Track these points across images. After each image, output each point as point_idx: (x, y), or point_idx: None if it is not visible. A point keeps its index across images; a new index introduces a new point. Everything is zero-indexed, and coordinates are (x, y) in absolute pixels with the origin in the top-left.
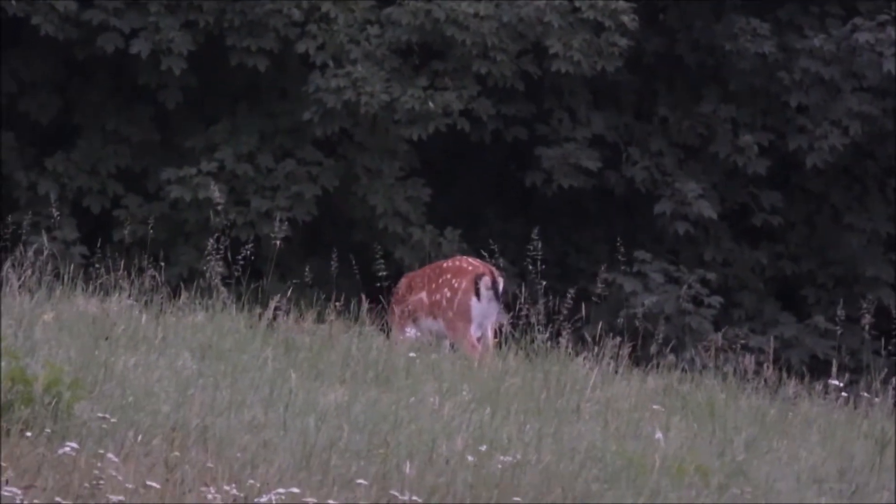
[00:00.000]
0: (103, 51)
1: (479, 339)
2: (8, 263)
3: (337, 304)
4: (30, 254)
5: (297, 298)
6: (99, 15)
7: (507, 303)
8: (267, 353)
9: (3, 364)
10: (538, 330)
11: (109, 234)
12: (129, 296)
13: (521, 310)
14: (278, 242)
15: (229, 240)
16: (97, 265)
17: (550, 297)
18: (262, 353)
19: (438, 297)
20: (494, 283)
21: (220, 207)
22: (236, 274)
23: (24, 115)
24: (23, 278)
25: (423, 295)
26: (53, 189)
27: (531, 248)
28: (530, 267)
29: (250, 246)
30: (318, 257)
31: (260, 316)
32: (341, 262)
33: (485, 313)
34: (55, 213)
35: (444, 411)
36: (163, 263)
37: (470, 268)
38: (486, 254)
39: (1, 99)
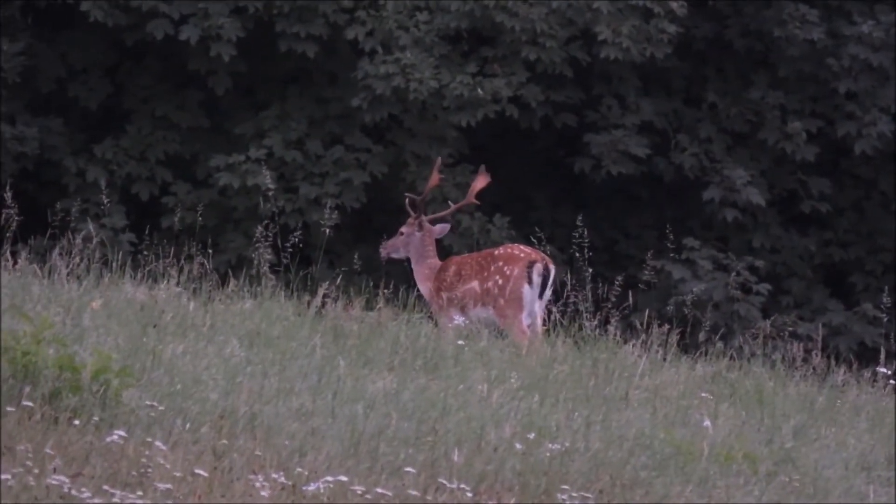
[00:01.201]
0: (153, 37)
1: (528, 326)
2: (56, 250)
3: (385, 291)
4: (78, 241)
5: (346, 285)
6: (148, 1)
7: (556, 290)
8: (315, 340)
9: (51, 351)
10: (586, 317)
11: (158, 221)
12: (178, 283)
13: (568, 297)
14: (327, 229)
15: (278, 227)
16: (146, 252)
17: (599, 284)
18: (310, 341)
19: (490, 284)
20: (546, 270)
21: (269, 194)
22: (285, 261)
23: (73, 100)
24: (71, 265)
25: (475, 284)
26: (102, 176)
27: (578, 234)
28: (577, 254)
29: (299, 233)
30: (367, 244)
31: (308, 303)
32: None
33: (536, 300)
34: (104, 199)
35: (493, 399)
36: (211, 251)
37: (522, 255)
38: (534, 240)
39: (50, 84)
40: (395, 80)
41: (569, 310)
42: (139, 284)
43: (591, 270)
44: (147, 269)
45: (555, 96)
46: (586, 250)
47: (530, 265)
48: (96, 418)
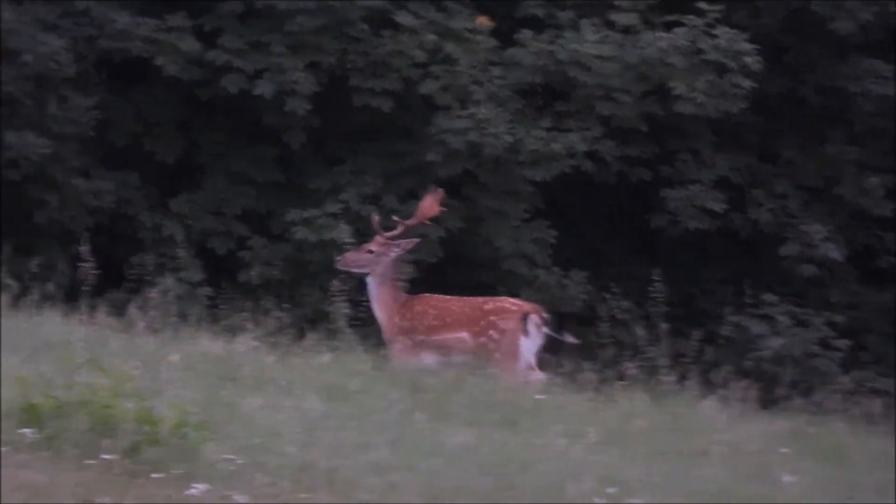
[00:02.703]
0: (227, 91)
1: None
2: (133, 304)
3: None
4: (155, 294)
5: None
6: (222, 56)
7: (557, 331)
8: (393, 394)
9: (130, 405)
10: (664, 372)
11: (235, 276)
12: (255, 337)
13: (645, 352)
14: (403, 284)
15: (355, 281)
16: (222, 306)
17: (675, 339)
18: (388, 395)
19: (485, 339)
20: (543, 319)
21: (345, 248)
22: (362, 315)
23: (148, 154)
24: (148, 319)
25: (465, 335)
26: (178, 230)
27: (654, 289)
28: (653, 309)
29: None
30: None
31: (387, 357)
32: None
33: (532, 349)
34: (180, 254)
35: (571, 453)
36: (288, 305)
37: (514, 307)
38: (608, 296)
39: (125, 138)
40: (469, 134)
41: (646, 364)
42: (216, 338)
43: (667, 325)
44: (224, 322)
45: (629, 151)
46: (663, 305)
47: (524, 317)
48: (176, 472)
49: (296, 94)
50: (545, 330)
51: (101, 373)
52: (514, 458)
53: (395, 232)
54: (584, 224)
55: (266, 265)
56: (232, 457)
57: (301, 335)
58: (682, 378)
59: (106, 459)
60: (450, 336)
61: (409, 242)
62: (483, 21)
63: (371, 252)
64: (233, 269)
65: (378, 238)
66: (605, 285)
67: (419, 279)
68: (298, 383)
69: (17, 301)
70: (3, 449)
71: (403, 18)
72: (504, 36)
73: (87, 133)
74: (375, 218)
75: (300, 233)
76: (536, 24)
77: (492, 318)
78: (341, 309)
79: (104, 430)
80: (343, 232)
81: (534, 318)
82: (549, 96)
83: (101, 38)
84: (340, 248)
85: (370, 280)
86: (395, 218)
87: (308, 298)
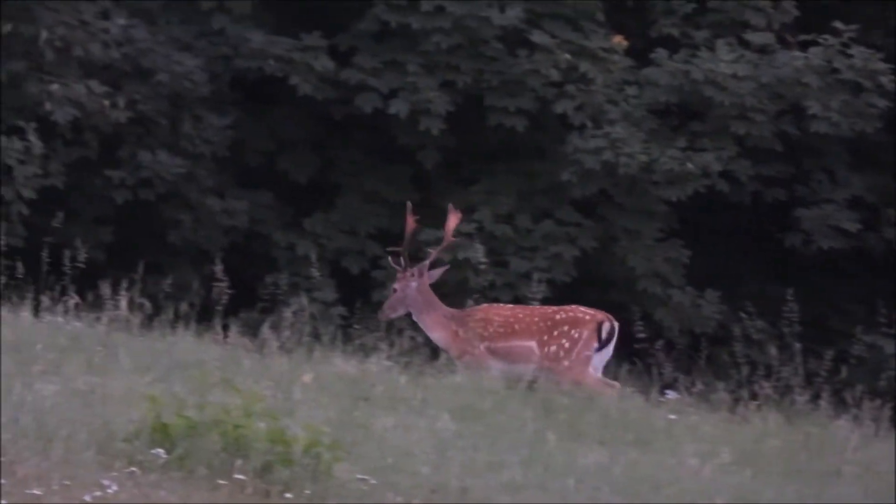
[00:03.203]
0: (361, 111)
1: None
2: (267, 324)
3: None
4: (288, 314)
5: None
6: (356, 75)
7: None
8: (526, 413)
9: (262, 425)
10: (797, 391)
11: (369, 295)
12: (388, 357)
13: (778, 371)
14: (537, 303)
15: (487, 301)
16: (356, 326)
17: (808, 359)
18: (521, 414)
19: (555, 348)
20: (612, 329)
21: (479, 268)
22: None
23: (282, 174)
24: (282, 339)
25: (533, 344)
26: (312, 249)
27: (788, 309)
28: (787, 328)
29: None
30: None
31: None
32: None
33: (604, 359)
34: (314, 273)
35: (704, 473)
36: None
37: (588, 317)
38: (745, 315)
39: (259, 158)
40: (604, 154)
41: (779, 384)
42: (350, 358)
43: (800, 345)
44: (358, 342)
45: (764, 170)
46: (796, 324)
47: (599, 326)
48: (308, 492)
49: (430, 113)
50: (614, 339)
51: (233, 393)
52: (646, 477)
53: (424, 263)
54: (717, 243)
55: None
56: (364, 477)
57: (434, 355)
58: (816, 398)
59: (238, 479)
60: (517, 344)
61: (423, 267)
62: (618, 40)
63: (395, 291)
64: (366, 288)
65: (398, 275)
66: (739, 305)
67: (552, 298)
68: (431, 403)
69: (150, 320)
70: (134, 469)
71: (539, 37)
72: (639, 55)
73: (222, 152)
74: (391, 260)
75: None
76: (672, 44)
77: (565, 327)
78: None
79: (236, 450)
80: (477, 252)
81: (607, 327)
82: (683, 116)
83: (235, 58)
84: (475, 268)
85: (414, 316)
86: (428, 250)
87: None
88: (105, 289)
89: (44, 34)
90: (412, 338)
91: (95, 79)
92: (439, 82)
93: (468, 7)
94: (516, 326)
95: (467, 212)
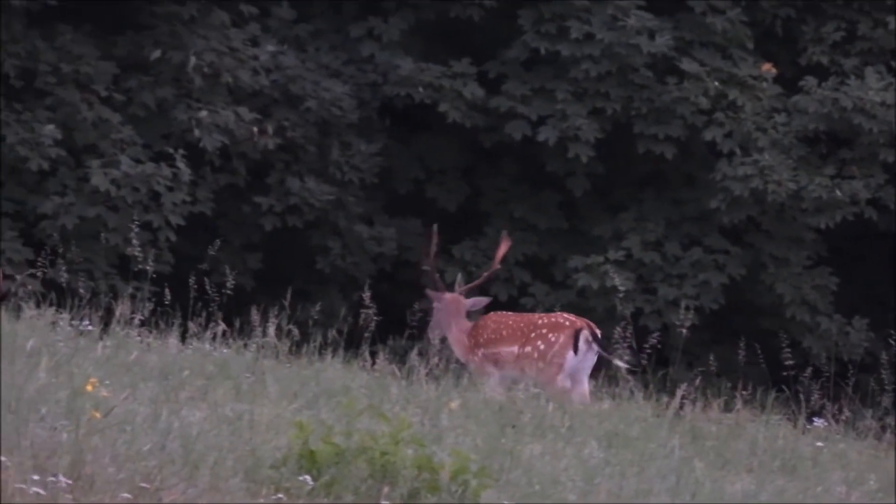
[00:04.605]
0: (510, 138)
1: (572, 389)
2: (415, 351)
3: (744, 392)
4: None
5: (704, 386)
6: (506, 102)
7: (608, 351)
8: (674, 441)
9: (409, 452)
10: None
11: None
12: (536, 384)
13: None
14: (685, 331)
15: (635, 328)
16: None
17: None
18: (668, 442)
19: (529, 349)
20: (594, 336)
21: (623, 295)
22: (643, 362)
23: (430, 201)
24: (429, 366)
25: (515, 348)
26: (460, 276)
27: None
28: None
29: (657, 334)
30: (724, 345)
31: (667, 404)
32: (748, 351)
33: (579, 366)
34: None
35: (851, 500)
36: None
37: (567, 323)
38: (893, 342)
39: (407, 185)
40: (753, 181)
41: None
42: (497, 385)
43: None
44: None
45: None
46: None
47: (576, 333)
48: None
49: (579, 140)
50: (595, 348)
51: (381, 419)
52: None
53: (462, 287)
54: (865, 271)
55: (547, 311)
56: None
57: None
58: None
59: None
60: (503, 349)
61: (472, 299)
62: (768, 68)
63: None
64: None
65: (430, 296)
66: (887, 332)
67: (700, 326)
68: (578, 430)
69: (298, 347)
70: (281, 496)
71: (688, 65)
72: (788, 83)
73: (370, 179)
74: (433, 246)
75: (582, 279)
76: (821, 72)
77: (543, 330)
78: (622, 356)
79: (383, 476)
80: (627, 279)
81: (585, 335)
82: (832, 143)
83: (384, 85)
84: (625, 296)
85: (447, 337)
86: (459, 284)
87: None
88: (253, 315)
89: (193, 60)
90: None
91: (244, 105)
92: (588, 109)
93: (617, 34)
94: (504, 332)
95: (615, 239)
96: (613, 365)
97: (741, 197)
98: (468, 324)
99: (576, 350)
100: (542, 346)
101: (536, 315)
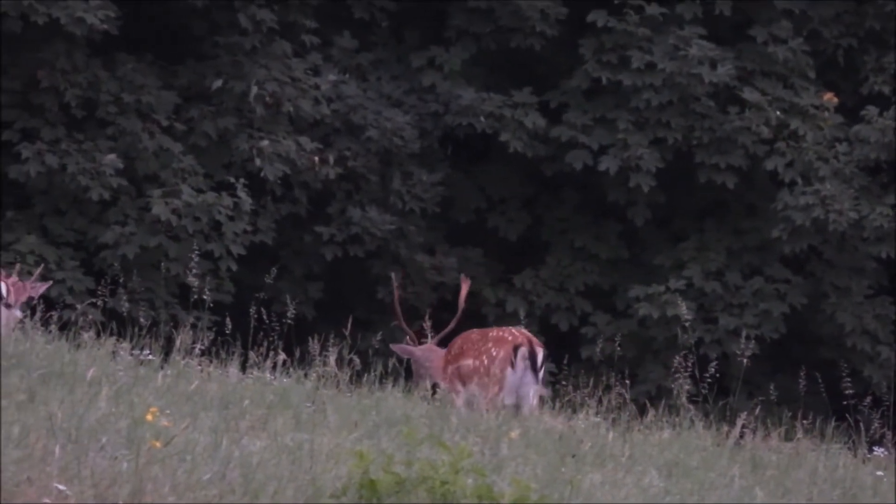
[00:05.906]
0: (571, 167)
1: (514, 406)
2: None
3: (804, 421)
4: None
5: (764, 416)
6: (567, 132)
7: (544, 375)
8: (734, 470)
9: (469, 481)
10: None
11: (577, 352)
12: (597, 413)
13: None
14: (745, 360)
15: (696, 357)
16: (564, 382)
17: None
18: (728, 471)
19: (478, 363)
20: (532, 354)
21: (687, 324)
22: (703, 391)
23: (491, 231)
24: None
25: (471, 361)
26: (522, 306)
27: None
28: None
29: (717, 363)
30: (785, 374)
31: (727, 434)
32: (808, 380)
33: (519, 383)
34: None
35: None
36: (629, 381)
37: (510, 338)
38: None
39: (469, 214)
40: (814, 211)
41: None
42: (558, 414)
43: None
44: (566, 399)
45: None
46: None
47: (515, 349)
48: None
49: (640, 169)
50: (526, 363)
51: (441, 449)
52: None
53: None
54: None
55: (609, 341)
56: None
57: (642, 411)
58: None
59: None
60: (463, 363)
61: (407, 350)
62: (829, 97)
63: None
64: (575, 344)
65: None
66: None
67: (761, 355)
68: (639, 459)
69: (358, 377)
70: None
71: (750, 95)
72: (850, 112)
73: (432, 209)
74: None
75: (643, 309)
76: (882, 101)
77: (489, 344)
78: (683, 385)
79: None
80: (688, 309)
81: (522, 351)
82: (893, 172)
83: (446, 114)
84: (685, 326)
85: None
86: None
87: (651, 374)
88: (314, 345)
89: (254, 90)
90: (620, 394)
91: (305, 135)
92: (650, 139)
93: (679, 64)
94: (464, 347)
95: (676, 268)
96: (534, 389)
97: (802, 226)
98: (443, 351)
99: (513, 366)
100: (485, 361)
101: (492, 329)
